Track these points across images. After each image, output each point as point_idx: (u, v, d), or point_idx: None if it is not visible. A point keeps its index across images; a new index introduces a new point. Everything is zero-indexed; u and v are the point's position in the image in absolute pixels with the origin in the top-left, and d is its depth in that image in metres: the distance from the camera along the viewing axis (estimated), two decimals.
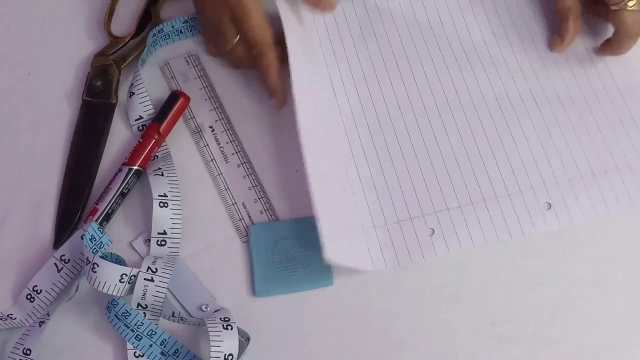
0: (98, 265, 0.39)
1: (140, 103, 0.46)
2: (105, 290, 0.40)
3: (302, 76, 0.44)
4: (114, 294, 0.40)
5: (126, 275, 0.40)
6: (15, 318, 0.41)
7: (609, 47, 0.47)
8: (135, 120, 0.46)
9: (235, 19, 0.44)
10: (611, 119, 0.46)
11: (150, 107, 0.46)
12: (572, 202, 0.44)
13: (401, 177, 0.44)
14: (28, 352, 0.39)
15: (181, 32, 0.49)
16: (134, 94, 0.46)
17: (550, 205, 0.43)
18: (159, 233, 0.43)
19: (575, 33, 0.47)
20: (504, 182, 0.44)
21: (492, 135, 0.45)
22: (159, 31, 0.48)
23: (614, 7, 0.44)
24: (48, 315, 0.40)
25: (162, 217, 0.43)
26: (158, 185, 0.43)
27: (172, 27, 0.48)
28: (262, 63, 0.45)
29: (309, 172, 0.41)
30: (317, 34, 0.49)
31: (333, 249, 0.40)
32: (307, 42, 0.48)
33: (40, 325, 0.40)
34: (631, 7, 0.44)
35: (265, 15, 0.45)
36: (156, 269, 0.40)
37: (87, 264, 0.40)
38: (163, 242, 0.43)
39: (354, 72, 0.47)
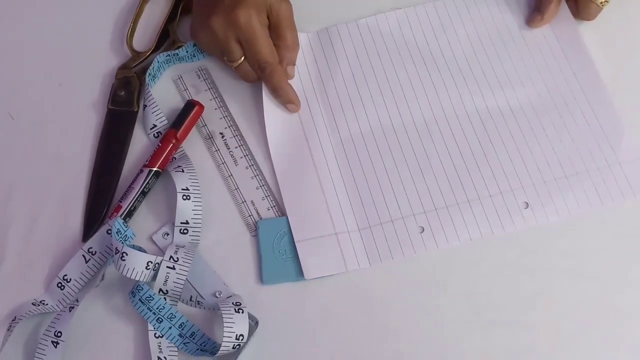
0: (127, 254, 0.42)
1: (153, 113, 0.48)
2: (132, 276, 0.42)
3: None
4: (140, 279, 0.42)
5: (151, 262, 0.42)
6: (47, 304, 0.44)
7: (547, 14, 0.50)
8: (151, 128, 0.48)
9: (243, 40, 0.47)
10: (580, 125, 0.48)
11: (163, 116, 0.48)
12: (547, 202, 0.46)
13: (393, 181, 0.47)
14: (59, 334, 0.42)
15: (194, 55, 0.51)
16: (146, 106, 0.49)
17: (527, 205, 0.46)
18: (181, 222, 0.45)
19: (555, 12, 0.50)
20: (486, 185, 0.46)
21: (474, 144, 0.47)
22: (174, 55, 0.50)
23: None
24: (77, 301, 0.43)
25: (185, 209, 0.45)
26: (180, 180, 0.46)
27: (187, 52, 0.50)
28: (273, 81, 0.47)
29: (282, 191, 0.44)
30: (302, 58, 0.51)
31: (311, 267, 0.43)
32: None
33: (69, 310, 0.43)
34: (602, 4, 0.48)
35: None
36: (177, 258, 0.43)
37: (115, 254, 0.42)
38: (185, 231, 0.45)
39: (347, 84, 0.49)
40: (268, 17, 0.48)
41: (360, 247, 0.45)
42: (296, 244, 0.44)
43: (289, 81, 0.49)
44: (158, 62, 0.50)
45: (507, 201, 0.46)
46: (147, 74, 0.49)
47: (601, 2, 0.48)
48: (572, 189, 0.46)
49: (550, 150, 0.47)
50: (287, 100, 0.48)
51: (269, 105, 0.48)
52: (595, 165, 0.47)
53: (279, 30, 0.48)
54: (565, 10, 0.51)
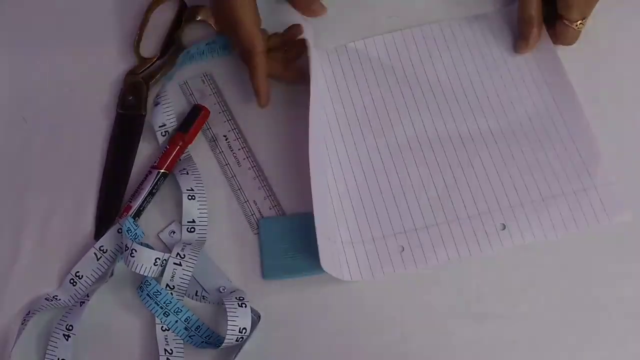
0: (136, 251, 0.43)
1: (164, 112, 0.49)
2: (141, 272, 0.43)
3: (315, 98, 0.47)
4: (148, 275, 0.43)
5: (159, 259, 0.44)
6: (60, 299, 0.45)
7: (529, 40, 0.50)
8: (159, 127, 0.49)
9: (230, 27, 0.48)
10: (558, 149, 0.48)
11: (173, 115, 0.49)
12: (524, 224, 0.46)
13: (376, 201, 0.47)
14: (70, 327, 0.43)
15: (203, 53, 0.52)
16: (159, 103, 0.49)
17: (504, 226, 0.46)
18: (188, 221, 0.46)
19: (537, 37, 0.50)
20: (465, 206, 0.47)
21: (455, 166, 0.48)
22: (186, 52, 0.51)
23: (566, 23, 0.49)
24: (88, 296, 0.44)
25: (190, 208, 0.46)
26: (185, 182, 0.47)
27: (197, 49, 0.51)
28: (249, 66, 0.48)
29: (313, 183, 0.43)
30: (324, 75, 0.51)
31: (325, 258, 0.43)
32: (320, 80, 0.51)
33: (80, 305, 0.44)
34: (578, 27, 0.49)
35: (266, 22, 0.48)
36: (184, 255, 0.44)
37: (125, 250, 0.44)
38: (192, 229, 0.46)
39: (335, 107, 0.50)
40: None
41: (353, 259, 0.46)
42: (317, 234, 0.43)
43: (321, 16, 0.50)
44: (198, 47, 0.51)
45: (485, 222, 0.46)
46: (186, 51, 0.50)
47: (577, 25, 0.49)
48: (548, 211, 0.46)
49: (528, 174, 0.47)
50: (255, 90, 0.48)
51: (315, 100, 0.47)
52: (571, 189, 0.47)
53: None
54: (545, 36, 0.51)
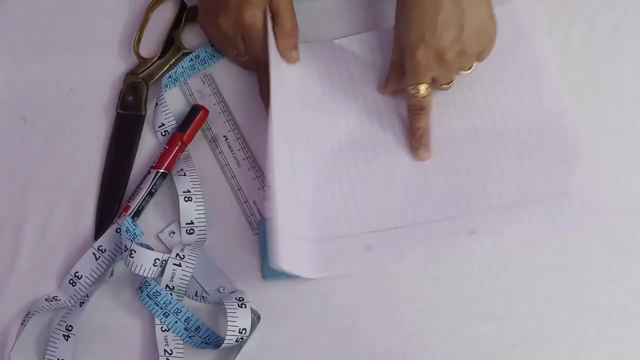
0: (135, 252, 0.43)
1: (162, 112, 0.50)
2: (140, 273, 0.43)
3: (279, 101, 0.46)
4: (148, 275, 0.44)
5: (159, 260, 0.44)
6: (59, 300, 0.45)
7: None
8: (159, 127, 0.50)
9: (246, 39, 0.48)
10: (538, 151, 0.47)
11: (172, 116, 0.50)
12: (493, 229, 0.45)
13: (348, 199, 0.47)
14: (70, 328, 0.44)
15: (213, 56, 0.52)
16: (158, 104, 0.50)
17: (474, 231, 0.45)
18: (187, 223, 0.46)
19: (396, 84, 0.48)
20: (435, 208, 0.46)
21: (428, 170, 0.47)
22: (196, 57, 0.51)
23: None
24: (87, 296, 0.44)
25: (188, 210, 0.46)
26: (182, 183, 0.47)
27: (206, 52, 0.52)
28: (261, 73, 0.49)
29: (274, 179, 0.42)
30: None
31: (282, 256, 0.41)
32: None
33: (80, 305, 0.44)
34: (422, 94, 0.46)
35: None
36: (184, 255, 0.44)
37: (125, 251, 0.44)
38: (191, 231, 0.47)
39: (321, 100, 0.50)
40: (270, 8, 0.48)
41: (316, 256, 0.45)
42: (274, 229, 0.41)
43: (294, 64, 0.49)
44: (182, 67, 0.51)
45: (455, 226, 0.46)
46: (168, 76, 0.50)
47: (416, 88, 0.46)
48: (519, 216, 0.45)
49: (501, 176, 0.46)
50: (265, 97, 0.48)
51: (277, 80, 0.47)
52: (544, 194, 0.46)
53: (277, 19, 0.48)
54: (538, 45, 0.49)
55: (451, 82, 0.48)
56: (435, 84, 0.47)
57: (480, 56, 0.47)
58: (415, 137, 0.48)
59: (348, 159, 0.48)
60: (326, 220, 0.46)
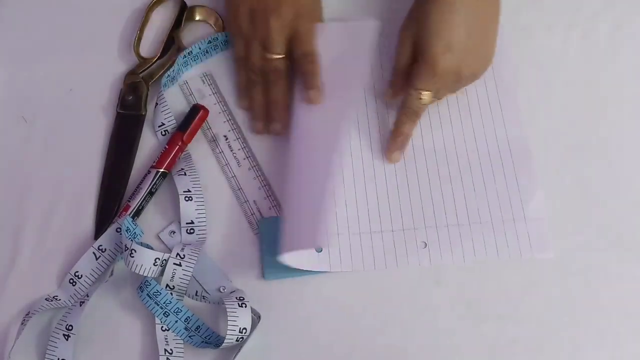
0: (136, 251, 0.43)
1: (162, 112, 0.50)
2: (140, 272, 0.43)
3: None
4: (148, 275, 0.44)
5: (159, 259, 0.44)
6: (60, 299, 0.45)
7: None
8: (159, 126, 0.50)
9: (262, 45, 0.48)
10: (498, 177, 0.48)
11: (172, 116, 0.50)
12: (444, 245, 0.46)
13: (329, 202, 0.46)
14: (70, 327, 0.44)
15: (207, 52, 0.52)
16: (158, 104, 0.50)
17: (425, 245, 0.46)
18: (187, 223, 0.46)
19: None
20: (391, 219, 0.47)
21: (392, 179, 0.48)
22: (188, 53, 0.51)
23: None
24: (87, 296, 0.45)
25: (188, 209, 0.46)
26: (182, 183, 0.47)
27: (200, 48, 0.52)
28: (274, 90, 0.49)
29: (293, 180, 0.43)
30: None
31: (290, 254, 0.43)
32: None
33: (80, 305, 0.44)
34: (425, 101, 0.47)
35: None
36: (184, 255, 0.44)
37: (125, 250, 0.44)
38: (192, 230, 0.47)
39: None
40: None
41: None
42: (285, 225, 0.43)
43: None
44: (177, 64, 0.51)
45: (408, 238, 0.47)
46: (167, 75, 0.51)
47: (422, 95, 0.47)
48: (472, 236, 0.46)
49: (461, 196, 0.48)
50: (314, 85, 0.48)
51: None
52: (501, 218, 0.47)
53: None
54: (505, 68, 0.50)
55: (443, 97, 0.48)
56: (434, 95, 0.47)
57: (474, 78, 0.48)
58: (396, 140, 0.48)
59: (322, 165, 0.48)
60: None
